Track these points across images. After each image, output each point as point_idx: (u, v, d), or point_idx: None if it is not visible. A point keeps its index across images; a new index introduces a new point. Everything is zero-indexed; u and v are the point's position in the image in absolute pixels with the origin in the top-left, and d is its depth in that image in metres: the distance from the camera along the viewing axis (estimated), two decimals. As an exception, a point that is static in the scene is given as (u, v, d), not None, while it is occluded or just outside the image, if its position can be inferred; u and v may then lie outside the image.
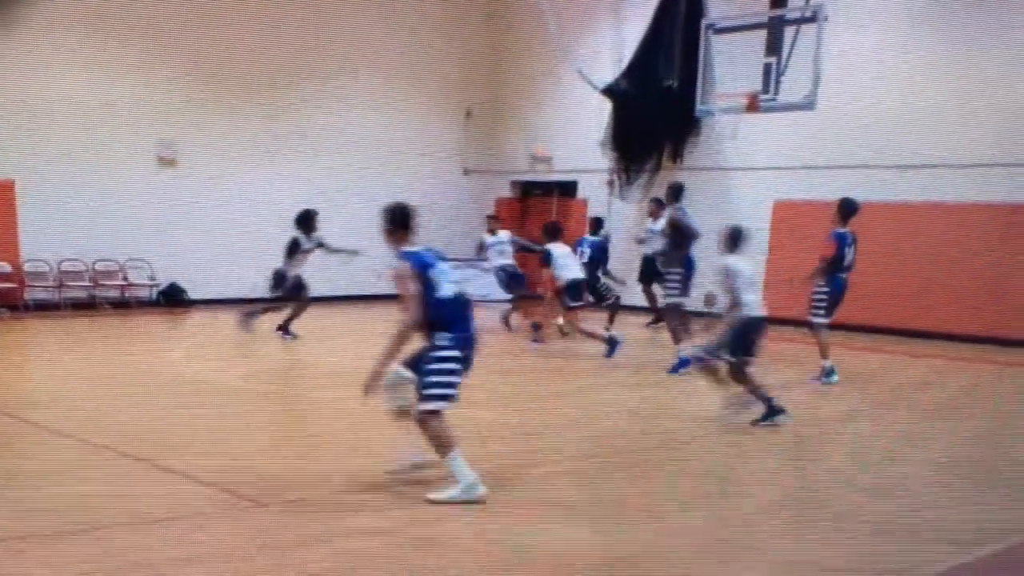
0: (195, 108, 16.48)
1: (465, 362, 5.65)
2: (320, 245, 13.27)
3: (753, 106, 13.79)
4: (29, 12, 14.48)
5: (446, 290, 5.60)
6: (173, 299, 16.22)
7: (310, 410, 8.55)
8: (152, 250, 16.02)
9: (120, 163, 15.65)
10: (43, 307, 15.00)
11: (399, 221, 6.00)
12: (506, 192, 20.98)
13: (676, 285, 11.17)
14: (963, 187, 14.51)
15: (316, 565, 4.52)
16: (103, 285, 15.71)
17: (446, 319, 5.59)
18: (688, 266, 11.35)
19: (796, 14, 14.20)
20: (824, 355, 10.48)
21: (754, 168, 16.70)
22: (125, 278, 15.91)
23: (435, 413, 5.52)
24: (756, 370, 8.14)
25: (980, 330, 14.17)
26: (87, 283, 15.53)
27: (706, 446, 7.60)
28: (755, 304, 7.96)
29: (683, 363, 10.27)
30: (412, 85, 19.37)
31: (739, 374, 7.99)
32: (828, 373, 10.45)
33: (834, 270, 10.36)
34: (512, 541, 5.01)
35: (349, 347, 12.72)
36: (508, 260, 14.70)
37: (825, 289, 10.45)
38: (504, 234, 15.03)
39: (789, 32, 14.05)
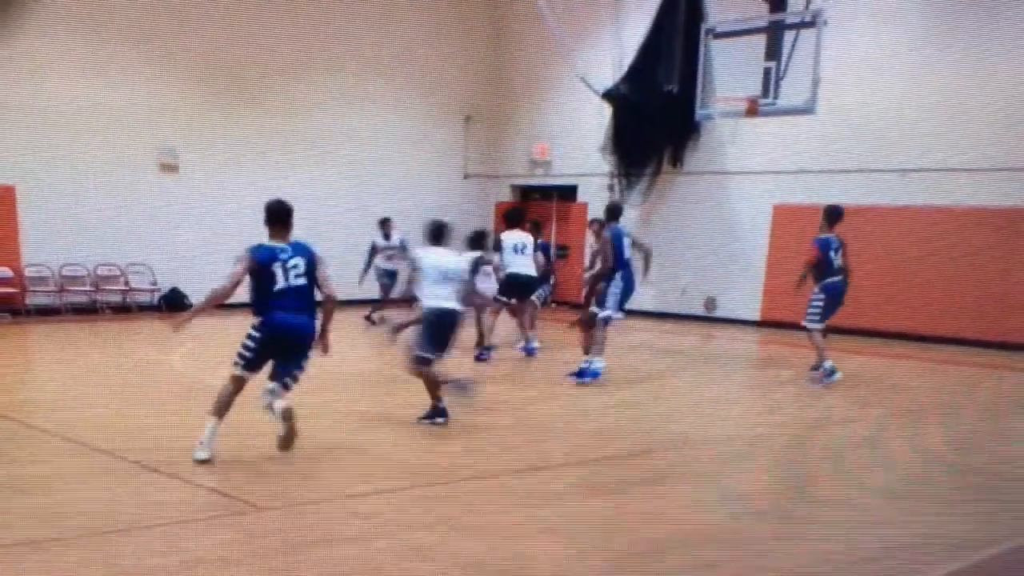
0: (196, 113, 16.52)
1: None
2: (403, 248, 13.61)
3: (753, 110, 13.82)
4: (30, 17, 14.52)
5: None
6: (174, 304, 16.22)
7: (309, 414, 8.55)
8: (153, 255, 16.05)
9: (121, 168, 15.68)
10: (45, 312, 15.02)
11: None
12: (506, 196, 21.01)
13: (608, 299, 10.21)
14: (963, 191, 14.55)
15: (314, 570, 4.53)
16: (104, 290, 15.73)
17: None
18: (623, 282, 10.26)
19: (795, 18, 14.24)
20: (821, 357, 10.54)
21: (754, 172, 16.74)
22: (126, 283, 15.93)
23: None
24: (444, 367, 8.01)
25: (981, 334, 14.20)
26: (88, 288, 15.55)
27: (702, 451, 7.60)
28: (442, 297, 7.86)
29: (582, 374, 10.11)
30: (413, 89, 19.41)
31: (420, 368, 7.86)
32: (829, 373, 10.50)
33: (823, 275, 10.45)
34: (509, 548, 5.02)
35: (347, 351, 12.73)
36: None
37: (820, 295, 10.54)
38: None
39: (788, 36, 14.10)
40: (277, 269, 6.46)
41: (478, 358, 11.46)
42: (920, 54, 14.94)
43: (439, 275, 7.86)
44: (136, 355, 12.00)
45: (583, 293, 10.70)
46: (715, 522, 5.59)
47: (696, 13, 16.40)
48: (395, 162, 19.26)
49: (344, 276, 18.35)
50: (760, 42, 14.28)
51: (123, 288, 15.92)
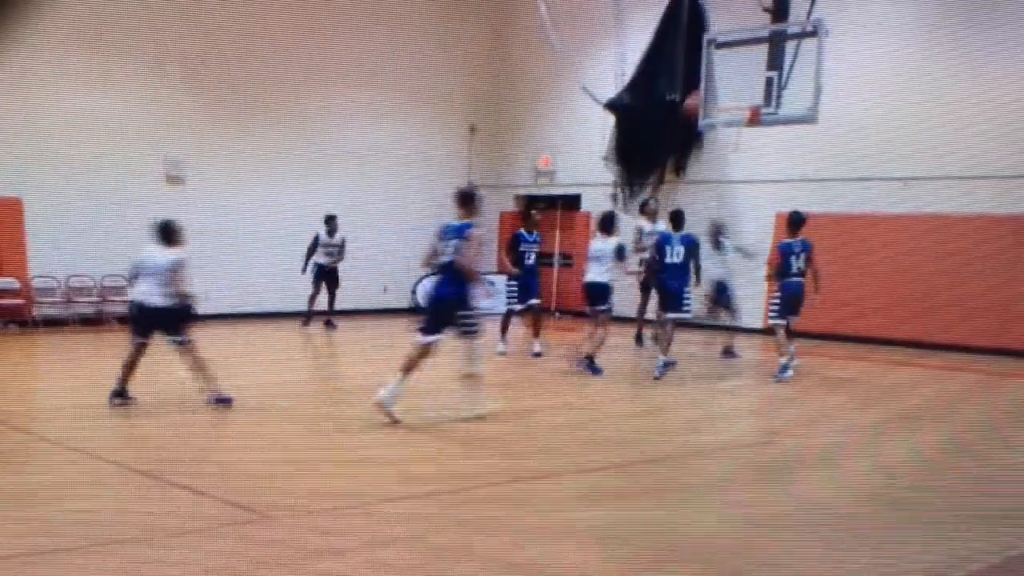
0: (202, 125, 16.61)
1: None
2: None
3: (755, 119, 13.86)
4: (37, 30, 14.63)
5: None
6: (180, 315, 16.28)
7: (315, 424, 8.60)
8: (159, 266, 16.11)
9: (128, 180, 15.77)
10: (51, 323, 15.10)
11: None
12: (510, 206, 21.07)
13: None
14: (966, 199, 14.57)
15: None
16: (111, 301, 15.80)
17: None
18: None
19: (797, 28, 14.26)
20: (782, 353, 11.28)
21: (756, 181, 16.78)
22: (132, 294, 15.99)
23: None
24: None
25: (984, 341, 14.21)
26: (95, 299, 15.63)
27: (699, 457, 7.63)
28: (143, 292, 8.62)
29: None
30: (417, 100, 19.49)
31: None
32: (783, 369, 11.19)
33: (782, 276, 11.36)
34: (523, 554, 5.05)
35: (353, 361, 12.80)
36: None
37: (778, 294, 11.44)
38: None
39: (790, 46, 14.14)
40: (441, 245, 8.18)
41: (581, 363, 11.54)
42: (922, 63, 14.99)
43: (148, 271, 8.60)
44: (143, 365, 12.04)
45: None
46: (718, 531, 5.62)
47: (698, 23, 16.47)
48: (400, 172, 19.33)
49: (346, 286, 18.53)
50: (762, 52, 14.31)
51: (129, 299, 15.95)
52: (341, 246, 15.94)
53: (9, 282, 14.81)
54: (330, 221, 15.88)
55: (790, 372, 11.25)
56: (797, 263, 11.28)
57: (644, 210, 14.56)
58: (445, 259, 8.18)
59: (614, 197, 18.54)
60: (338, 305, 17.34)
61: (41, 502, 5.71)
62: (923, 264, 14.92)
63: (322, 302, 16.13)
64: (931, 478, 7.09)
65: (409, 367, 8.07)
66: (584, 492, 6.38)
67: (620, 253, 11.43)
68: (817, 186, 15.92)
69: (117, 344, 13.92)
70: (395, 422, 7.92)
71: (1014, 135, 14.14)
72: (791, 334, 11.76)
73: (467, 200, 8.33)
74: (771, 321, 11.65)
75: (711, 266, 12.49)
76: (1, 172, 14.63)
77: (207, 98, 16.64)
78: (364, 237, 18.79)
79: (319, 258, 15.81)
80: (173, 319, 8.62)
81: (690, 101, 14.14)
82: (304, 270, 15.79)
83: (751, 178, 16.86)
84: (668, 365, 11.22)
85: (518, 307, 12.93)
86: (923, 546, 5.42)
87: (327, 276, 15.93)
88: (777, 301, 11.50)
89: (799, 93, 13.58)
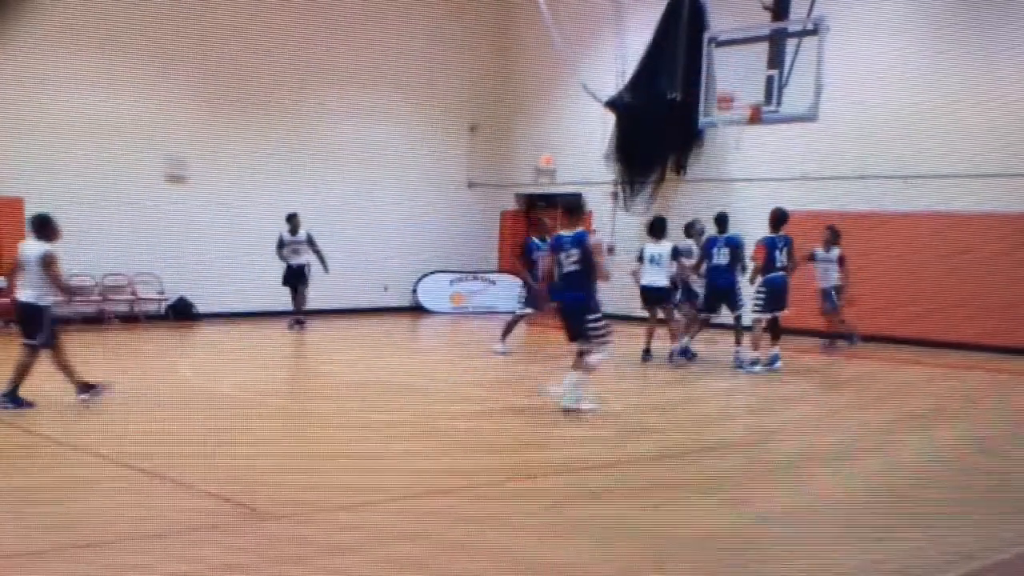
0: (204, 124, 16.63)
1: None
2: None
3: (756, 118, 13.86)
4: (39, 31, 14.64)
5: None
6: (181, 313, 16.33)
7: (319, 422, 8.62)
8: (161, 265, 16.15)
9: (129, 179, 15.80)
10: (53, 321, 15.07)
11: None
12: (511, 205, 21.09)
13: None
14: (968, 197, 14.59)
15: None
16: (112, 300, 15.83)
17: None
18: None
19: (798, 26, 14.27)
20: (756, 347, 11.71)
21: (757, 179, 16.79)
22: (134, 293, 16.03)
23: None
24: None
25: (988, 339, 14.22)
26: (96, 297, 15.64)
27: (702, 456, 7.64)
28: (19, 287, 8.54)
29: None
30: (419, 100, 19.51)
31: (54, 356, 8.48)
32: (753, 362, 11.65)
33: (767, 271, 11.69)
34: (526, 554, 5.06)
35: (356, 360, 12.81)
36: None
37: (763, 288, 11.72)
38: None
39: (791, 44, 14.15)
40: (562, 256, 8.50)
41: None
42: (923, 61, 15.01)
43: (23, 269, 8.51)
44: (144, 364, 12.08)
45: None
46: (721, 528, 5.63)
47: (698, 22, 16.48)
48: (401, 171, 19.35)
49: (347, 285, 18.53)
50: (763, 50, 14.32)
51: (131, 298, 16.02)
52: (309, 242, 15.35)
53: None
54: (291, 219, 15.38)
55: (759, 367, 11.63)
56: (781, 257, 11.72)
57: (690, 232, 13.59)
58: (568, 269, 8.49)
59: (615, 195, 18.56)
60: (339, 304, 17.38)
61: (43, 501, 5.72)
62: (926, 262, 14.92)
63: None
64: (938, 475, 7.09)
65: (577, 367, 8.71)
66: (587, 489, 6.39)
67: (676, 253, 12.24)
68: (818, 184, 15.93)
69: (119, 343, 14.03)
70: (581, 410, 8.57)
71: (1016, 133, 14.15)
72: (779, 330, 12.07)
73: (574, 210, 8.75)
74: (753, 315, 11.89)
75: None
76: (2, 171, 14.65)
77: (209, 98, 16.65)
78: (365, 235, 18.84)
79: (289, 257, 15.39)
80: (32, 318, 8.33)
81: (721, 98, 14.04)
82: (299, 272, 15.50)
83: (752, 176, 16.86)
84: (685, 353, 12.11)
85: (528, 311, 12.96)
86: (930, 542, 5.42)
87: (295, 275, 15.48)
88: (762, 295, 11.74)
89: (800, 91, 13.58)
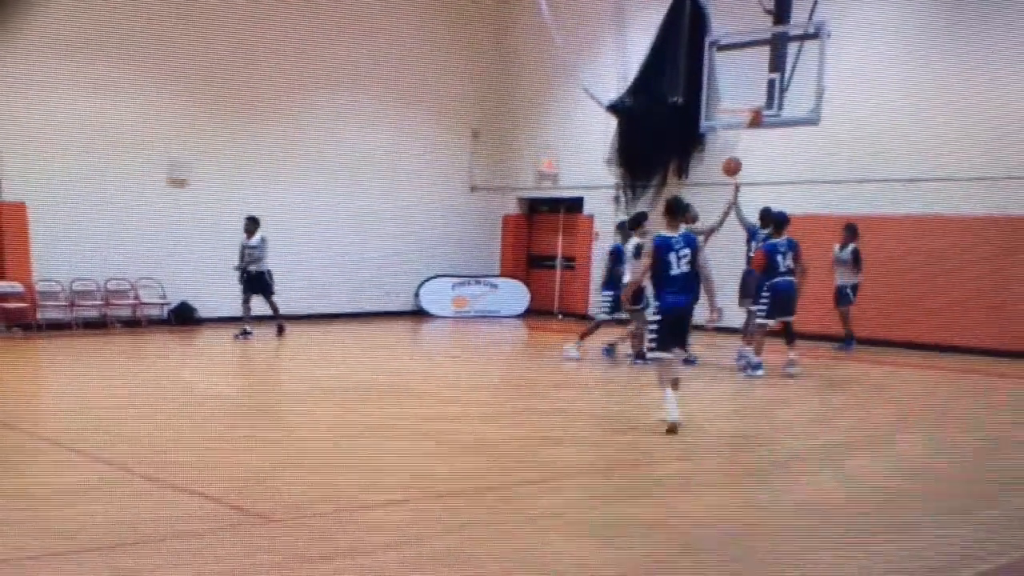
0: (205, 128, 16.66)
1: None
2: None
3: (757, 121, 13.86)
4: (39, 36, 14.68)
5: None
6: (183, 318, 16.35)
7: (321, 425, 8.63)
8: (163, 269, 16.18)
9: (130, 183, 15.83)
10: (55, 326, 15.13)
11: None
12: (513, 209, 21.11)
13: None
14: (966, 200, 14.60)
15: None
16: (114, 304, 15.86)
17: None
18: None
19: (799, 30, 14.26)
20: (757, 351, 11.69)
21: (759, 183, 16.76)
22: (136, 297, 16.05)
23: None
24: None
25: (983, 342, 14.22)
26: (98, 302, 15.68)
27: (705, 458, 7.63)
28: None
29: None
30: (420, 103, 19.54)
31: None
32: (756, 367, 11.60)
33: (769, 276, 11.57)
34: (531, 556, 5.07)
35: (358, 364, 12.82)
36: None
37: (767, 294, 11.63)
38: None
39: (792, 48, 14.14)
40: (672, 258, 8.00)
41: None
42: (923, 65, 15.01)
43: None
44: (146, 368, 12.10)
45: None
46: (726, 530, 5.63)
47: (700, 25, 16.50)
48: (403, 175, 19.38)
49: (350, 289, 18.55)
50: (764, 54, 14.32)
51: (133, 302, 16.04)
52: (259, 247, 14.63)
53: (13, 286, 14.86)
54: (250, 223, 14.76)
55: (761, 371, 11.55)
56: (784, 262, 11.54)
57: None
58: (680, 271, 8.05)
59: (616, 199, 18.57)
60: (342, 308, 17.39)
61: (44, 505, 5.72)
62: (926, 265, 14.92)
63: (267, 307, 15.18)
64: (939, 475, 7.09)
65: (663, 382, 8.20)
66: (590, 493, 6.39)
67: (637, 252, 12.04)
68: (819, 188, 15.93)
69: (121, 347, 14.06)
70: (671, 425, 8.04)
71: (1016, 136, 14.15)
72: (792, 336, 11.84)
73: (679, 210, 8.24)
74: (758, 320, 11.78)
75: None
76: (5, 177, 14.69)
77: (211, 103, 16.69)
78: (367, 240, 18.87)
79: (248, 265, 14.73)
80: None
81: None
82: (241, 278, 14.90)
83: (753, 180, 16.84)
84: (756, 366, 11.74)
85: (609, 318, 12.99)
86: (931, 543, 5.42)
87: (253, 281, 14.77)
88: (766, 301, 11.61)
89: (801, 95, 13.59)
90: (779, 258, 11.56)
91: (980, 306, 14.38)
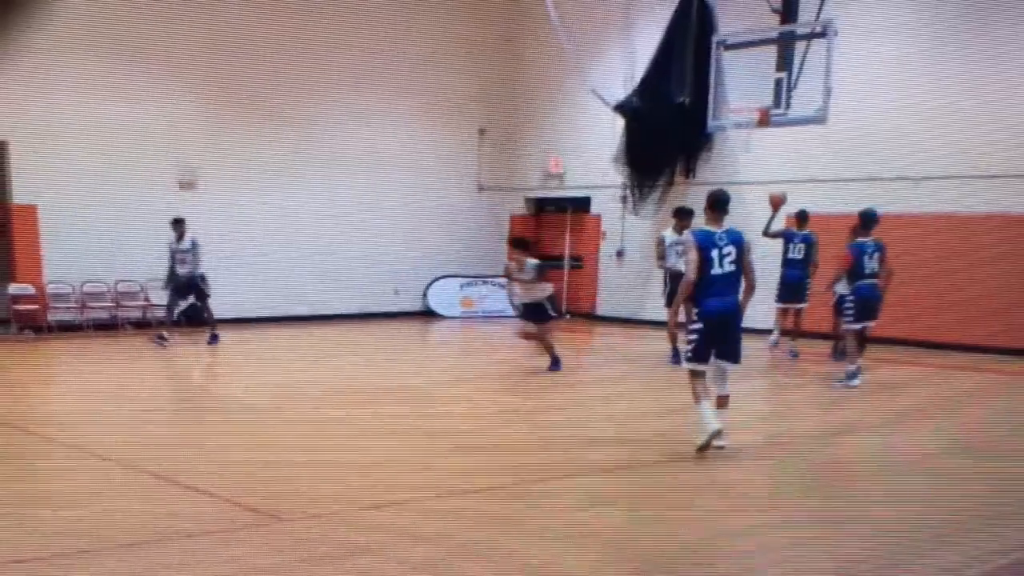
0: (214, 130, 16.73)
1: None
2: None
3: (765, 121, 13.87)
4: (49, 38, 14.76)
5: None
6: (193, 319, 16.39)
7: (332, 425, 8.66)
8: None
9: (141, 185, 15.89)
10: (66, 328, 15.22)
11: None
12: (520, 209, 21.13)
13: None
14: (975, 198, 14.57)
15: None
16: (125, 306, 15.93)
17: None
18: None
19: (806, 29, 14.28)
20: (850, 360, 11.04)
21: (766, 182, 16.75)
22: (146, 299, 16.11)
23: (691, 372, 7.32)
24: None
25: (991, 340, 14.19)
26: (109, 304, 15.76)
27: (708, 458, 7.64)
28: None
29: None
30: (428, 104, 19.57)
31: None
32: (851, 376, 10.83)
33: (855, 279, 10.89)
34: (532, 555, 5.09)
35: (368, 364, 12.86)
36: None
37: (851, 297, 11.12)
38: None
39: (799, 47, 14.15)
40: (714, 255, 7.20)
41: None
42: (931, 63, 14.97)
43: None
44: (156, 370, 12.15)
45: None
46: (730, 529, 5.65)
47: (707, 25, 16.51)
48: (410, 175, 19.42)
49: (358, 290, 18.59)
50: (771, 53, 14.33)
51: (143, 304, 16.11)
52: (191, 251, 13.85)
53: (24, 288, 14.95)
54: (177, 225, 13.90)
55: (857, 380, 10.79)
56: (871, 264, 10.77)
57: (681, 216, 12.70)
58: (726, 270, 7.24)
59: (624, 199, 18.59)
60: (349, 308, 17.40)
61: (56, 505, 5.76)
62: (934, 263, 14.89)
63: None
64: (942, 476, 7.08)
65: (698, 396, 7.38)
66: (596, 493, 6.41)
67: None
68: (827, 186, 15.91)
69: (132, 349, 14.12)
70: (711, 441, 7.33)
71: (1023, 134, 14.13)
72: (865, 340, 11.37)
73: (724, 202, 7.43)
74: (845, 326, 11.16)
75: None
76: (16, 179, 14.78)
77: (221, 105, 16.75)
78: (375, 240, 18.92)
79: (178, 267, 13.91)
80: None
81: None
82: (166, 286, 14.21)
83: (761, 179, 16.84)
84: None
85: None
86: (936, 544, 5.43)
87: (185, 287, 14.04)
88: (851, 305, 10.93)
89: (809, 94, 13.59)
90: (866, 260, 10.76)
91: (994, 305, 14.27)
